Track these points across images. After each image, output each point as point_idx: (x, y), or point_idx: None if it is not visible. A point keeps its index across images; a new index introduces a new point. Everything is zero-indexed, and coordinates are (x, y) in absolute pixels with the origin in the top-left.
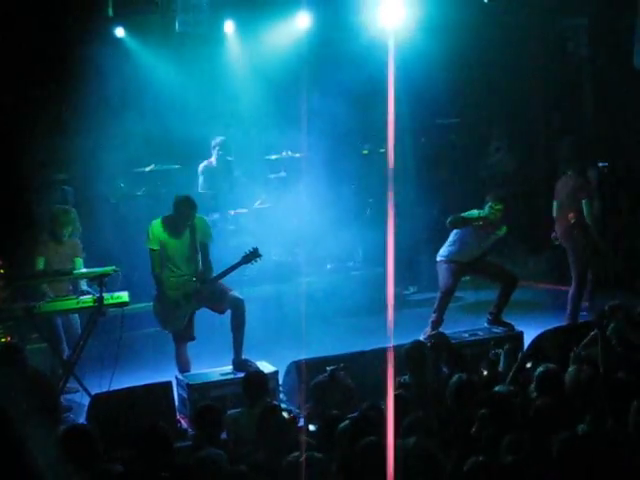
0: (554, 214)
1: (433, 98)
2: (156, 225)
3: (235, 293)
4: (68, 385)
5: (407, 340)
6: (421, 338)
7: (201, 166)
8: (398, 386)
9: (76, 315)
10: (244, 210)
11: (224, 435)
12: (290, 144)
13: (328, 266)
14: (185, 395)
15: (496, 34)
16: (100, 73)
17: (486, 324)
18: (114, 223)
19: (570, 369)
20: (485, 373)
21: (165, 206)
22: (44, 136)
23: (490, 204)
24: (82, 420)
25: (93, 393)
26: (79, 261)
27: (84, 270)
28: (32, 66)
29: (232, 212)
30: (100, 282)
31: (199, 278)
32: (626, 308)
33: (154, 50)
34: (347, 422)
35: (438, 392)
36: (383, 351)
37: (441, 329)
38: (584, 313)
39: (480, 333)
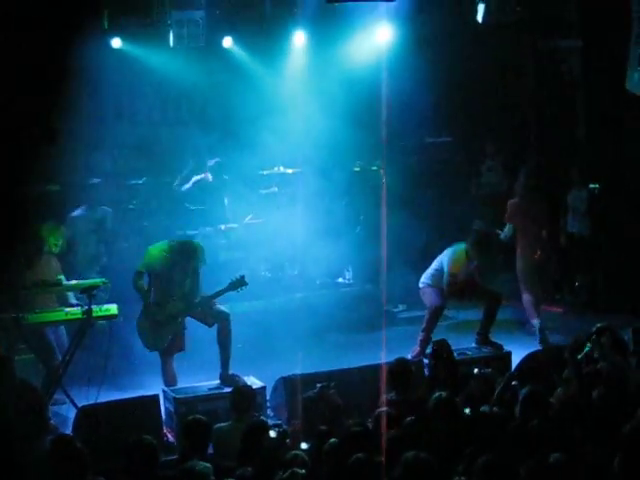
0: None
1: (424, 116)
2: (152, 251)
3: (221, 307)
4: (55, 397)
5: (395, 357)
6: (409, 357)
7: (194, 179)
8: (385, 403)
9: (62, 327)
10: (235, 225)
11: (211, 449)
12: (282, 160)
13: (318, 282)
14: (172, 409)
15: (489, 54)
16: (94, 84)
17: (474, 344)
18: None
19: (558, 390)
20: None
21: (156, 219)
22: (37, 147)
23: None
24: (68, 432)
25: (80, 405)
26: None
27: (73, 282)
28: (25, 76)
29: (223, 227)
30: (89, 294)
31: (188, 301)
32: (612, 330)
33: (149, 61)
34: (335, 439)
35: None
36: (370, 368)
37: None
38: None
39: (469, 353)
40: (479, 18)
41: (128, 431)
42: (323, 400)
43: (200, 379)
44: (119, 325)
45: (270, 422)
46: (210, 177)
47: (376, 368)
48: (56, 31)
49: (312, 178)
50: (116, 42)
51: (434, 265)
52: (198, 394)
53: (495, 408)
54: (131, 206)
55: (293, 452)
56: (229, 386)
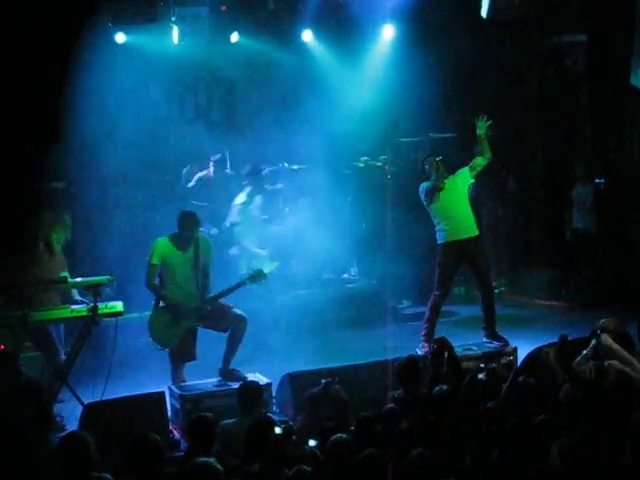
0: None
1: (429, 112)
2: (161, 242)
3: (237, 311)
4: (61, 394)
5: (400, 354)
6: (418, 352)
7: (196, 175)
8: (391, 400)
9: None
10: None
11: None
12: (287, 156)
13: (323, 278)
14: (178, 406)
15: (494, 50)
16: (99, 80)
17: (484, 339)
18: (109, 232)
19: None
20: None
21: (160, 216)
22: (41, 145)
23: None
24: (74, 429)
25: (86, 402)
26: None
27: (79, 279)
28: (29, 73)
29: (228, 223)
30: (94, 291)
31: (200, 297)
32: (617, 325)
33: (153, 57)
34: (343, 435)
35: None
36: (376, 365)
37: None
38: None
39: (474, 348)
40: (483, 13)
41: (134, 428)
42: (328, 396)
43: (206, 376)
44: (125, 322)
45: (276, 419)
46: (212, 174)
47: (382, 364)
48: (60, 27)
49: (317, 174)
50: (120, 38)
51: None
52: (204, 391)
53: (502, 403)
54: (135, 203)
55: (301, 448)
56: (230, 381)
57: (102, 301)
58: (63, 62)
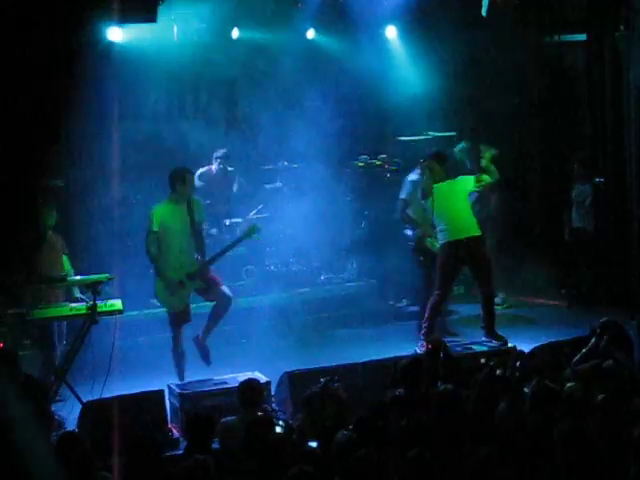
0: None
1: (428, 111)
2: (159, 208)
3: (225, 289)
4: (60, 392)
5: (400, 352)
6: (417, 351)
7: (198, 172)
8: (392, 400)
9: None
10: (239, 220)
11: (217, 444)
12: (287, 154)
13: (322, 277)
14: (177, 404)
15: (493, 48)
16: (98, 79)
17: (483, 337)
18: (109, 230)
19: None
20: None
21: None
22: (41, 143)
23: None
24: (73, 427)
25: (85, 400)
26: (65, 259)
27: (78, 277)
28: (27, 72)
29: (227, 222)
30: (94, 289)
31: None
32: (617, 325)
33: (153, 56)
34: (346, 433)
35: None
36: (375, 363)
37: None
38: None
39: (473, 347)
40: (483, 12)
41: (133, 426)
42: (327, 395)
43: (205, 375)
44: (124, 320)
45: (278, 415)
46: (214, 170)
47: (381, 363)
48: (59, 26)
49: (317, 173)
50: (119, 36)
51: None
52: (203, 389)
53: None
54: (135, 201)
55: (300, 447)
56: (201, 352)
57: (101, 299)
58: (62, 61)
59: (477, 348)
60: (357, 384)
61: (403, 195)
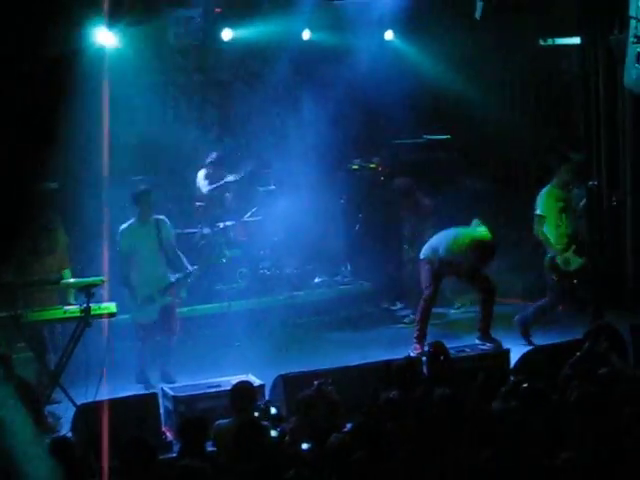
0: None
1: (423, 114)
2: (124, 229)
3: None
4: (53, 395)
5: (393, 355)
6: (410, 354)
7: (202, 172)
8: (385, 402)
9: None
10: (233, 223)
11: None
12: (281, 158)
13: (316, 280)
14: (171, 407)
15: (489, 52)
16: (92, 83)
17: (477, 340)
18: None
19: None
20: None
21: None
22: (35, 146)
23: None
24: (66, 430)
25: (79, 403)
26: (67, 273)
27: (72, 280)
28: (21, 75)
29: (221, 225)
30: (87, 292)
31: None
32: (611, 328)
33: (147, 59)
34: (340, 435)
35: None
36: (368, 366)
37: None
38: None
39: (467, 350)
40: (477, 15)
41: (127, 429)
42: (321, 397)
43: (199, 378)
44: (118, 323)
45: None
46: (208, 173)
47: (375, 366)
48: (53, 29)
49: (311, 176)
50: (115, 39)
51: (435, 240)
52: (197, 392)
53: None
54: (127, 205)
55: (294, 449)
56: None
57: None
58: (56, 64)
59: (470, 351)
60: (351, 387)
61: (539, 210)
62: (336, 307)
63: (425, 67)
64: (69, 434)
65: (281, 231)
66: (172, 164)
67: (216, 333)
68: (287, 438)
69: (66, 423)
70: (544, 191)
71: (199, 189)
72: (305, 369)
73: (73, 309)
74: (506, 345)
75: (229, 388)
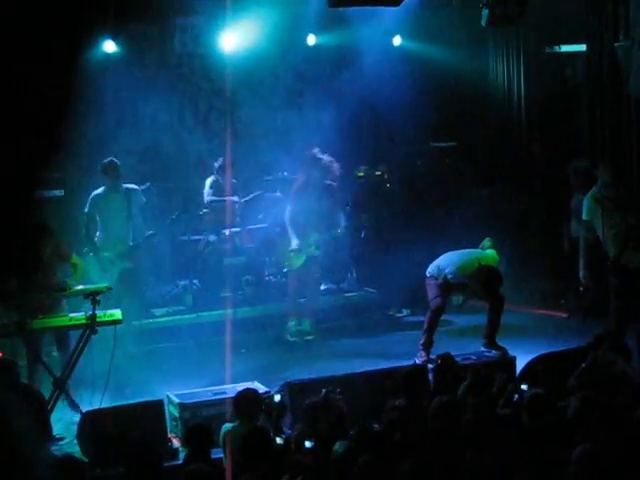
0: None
1: (429, 121)
2: (95, 195)
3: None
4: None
5: (400, 362)
6: (416, 362)
7: (209, 180)
8: (391, 409)
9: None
10: (238, 229)
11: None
12: (286, 165)
13: (322, 287)
14: (176, 414)
15: (494, 58)
16: (98, 90)
17: (482, 347)
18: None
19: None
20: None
21: (160, 224)
22: (41, 153)
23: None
24: (72, 438)
25: (84, 411)
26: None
27: (79, 287)
28: (28, 83)
29: (227, 232)
30: (93, 299)
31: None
32: (612, 336)
33: (153, 67)
34: (343, 442)
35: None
36: (374, 374)
37: (432, 352)
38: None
39: (473, 357)
40: (483, 22)
41: (133, 436)
42: (328, 405)
43: (204, 385)
44: (123, 330)
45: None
46: (215, 179)
47: (380, 373)
48: (59, 38)
49: (315, 183)
50: (120, 47)
51: (443, 260)
52: (202, 399)
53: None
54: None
55: (298, 456)
56: None
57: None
58: (63, 72)
59: (476, 358)
60: (357, 394)
61: (585, 216)
62: (342, 314)
63: (429, 73)
64: (75, 442)
65: (286, 238)
66: (178, 171)
67: (222, 340)
68: (292, 445)
69: (72, 431)
70: (588, 195)
71: (205, 196)
72: (311, 376)
73: (78, 316)
74: (512, 353)
75: (235, 395)
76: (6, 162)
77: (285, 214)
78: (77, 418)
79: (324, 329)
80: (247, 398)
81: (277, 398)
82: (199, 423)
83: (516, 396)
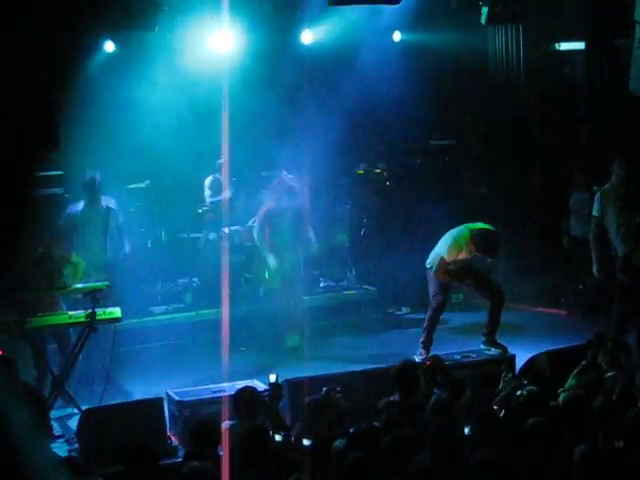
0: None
1: (428, 119)
2: (73, 212)
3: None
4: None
5: (399, 360)
6: (416, 359)
7: (208, 181)
8: (387, 405)
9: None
10: (238, 228)
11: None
12: (286, 163)
13: (321, 285)
14: (176, 412)
15: (492, 57)
16: (95, 88)
17: (482, 345)
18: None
19: (565, 394)
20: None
21: (159, 222)
22: (39, 152)
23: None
24: (72, 435)
25: (84, 408)
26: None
27: (78, 285)
28: (24, 82)
29: (226, 230)
30: (92, 297)
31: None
32: (611, 335)
33: (149, 66)
34: (342, 440)
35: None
36: (374, 371)
37: (432, 350)
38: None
39: (472, 355)
40: (482, 20)
41: (132, 434)
42: (328, 403)
43: (204, 382)
44: (123, 328)
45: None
46: (216, 177)
47: (380, 371)
48: (55, 37)
49: (317, 181)
50: (117, 45)
51: (436, 246)
52: (202, 397)
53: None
54: (132, 209)
55: (297, 454)
56: None
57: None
58: (60, 71)
59: (476, 356)
60: (356, 392)
61: (596, 212)
62: (341, 312)
63: (429, 71)
64: (74, 439)
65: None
66: (178, 168)
67: (221, 338)
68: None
69: (71, 428)
70: (600, 192)
71: (205, 196)
72: (310, 374)
73: (78, 314)
74: (512, 350)
75: (234, 393)
76: (4, 161)
77: (255, 235)
78: (76, 416)
79: (323, 326)
80: (246, 396)
81: (272, 378)
82: (206, 420)
83: (519, 392)
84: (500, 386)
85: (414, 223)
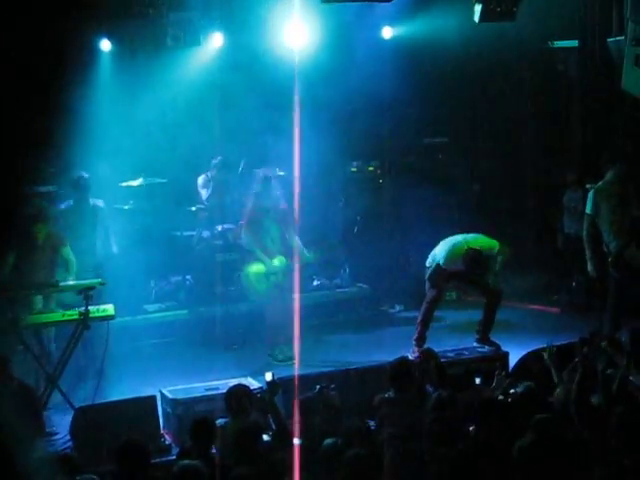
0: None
1: (421, 117)
2: (62, 210)
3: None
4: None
5: (393, 358)
6: (410, 357)
7: (202, 179)
8: (382, 402)
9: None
10: (231, 226)
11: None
12: (278, 161)
13: (315, 282)
14: (169, 410)
15: (486, 55)
16: (91, 86)
17: (475, 343)
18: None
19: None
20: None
21: (151, 220)
22: (32, 147)
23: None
24: (65, 433)
25: (77, 406)
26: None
27: (71, 282)
28: (20, 80)
29: (220, 227)
30: (86, 295)
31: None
32: (602, 334)
33: (143, 64)
34: (333, 439)
35: (421, 408)
36: (368, 369)
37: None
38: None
39: (465, 352)
40: (476, 18)
41: (126, 432)
42: (322, 401)
43: (197, 380)
44: (116, 325)
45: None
46: (210, 176)
47: (374, 369)
48: (52, 34)
49: (309, 179)
50: (112, 44)
51: (437, 248)
52: (195, 395)
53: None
54: (127, 207)
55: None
56: None
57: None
58: (56, 68)
59: (469, 354)
60: (350, 390)
61: (589, 210)
62: (335, 310)
63: (422, 69)
64: (67, 437)
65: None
66: (171, 166)
67: (215, 336)
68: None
69: (65, 426)
70: (593, 190)
71: (200, 194)
72: (304, 372)
73: (71, 312)
74: (505, 348)
75: (226, 391)
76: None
77: (244, 241)
78: (70, 414)
79: (316, 324)
80: (238, 394)
81: (269, 377)
82: (203, 417)
83: (512, 390)
84: (494, 384)
85: (407, 221)
